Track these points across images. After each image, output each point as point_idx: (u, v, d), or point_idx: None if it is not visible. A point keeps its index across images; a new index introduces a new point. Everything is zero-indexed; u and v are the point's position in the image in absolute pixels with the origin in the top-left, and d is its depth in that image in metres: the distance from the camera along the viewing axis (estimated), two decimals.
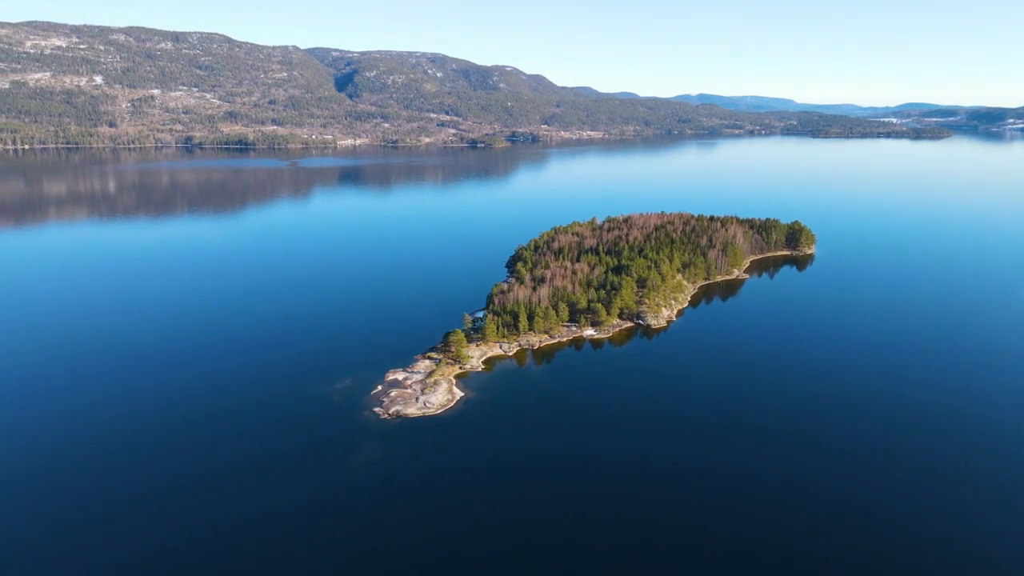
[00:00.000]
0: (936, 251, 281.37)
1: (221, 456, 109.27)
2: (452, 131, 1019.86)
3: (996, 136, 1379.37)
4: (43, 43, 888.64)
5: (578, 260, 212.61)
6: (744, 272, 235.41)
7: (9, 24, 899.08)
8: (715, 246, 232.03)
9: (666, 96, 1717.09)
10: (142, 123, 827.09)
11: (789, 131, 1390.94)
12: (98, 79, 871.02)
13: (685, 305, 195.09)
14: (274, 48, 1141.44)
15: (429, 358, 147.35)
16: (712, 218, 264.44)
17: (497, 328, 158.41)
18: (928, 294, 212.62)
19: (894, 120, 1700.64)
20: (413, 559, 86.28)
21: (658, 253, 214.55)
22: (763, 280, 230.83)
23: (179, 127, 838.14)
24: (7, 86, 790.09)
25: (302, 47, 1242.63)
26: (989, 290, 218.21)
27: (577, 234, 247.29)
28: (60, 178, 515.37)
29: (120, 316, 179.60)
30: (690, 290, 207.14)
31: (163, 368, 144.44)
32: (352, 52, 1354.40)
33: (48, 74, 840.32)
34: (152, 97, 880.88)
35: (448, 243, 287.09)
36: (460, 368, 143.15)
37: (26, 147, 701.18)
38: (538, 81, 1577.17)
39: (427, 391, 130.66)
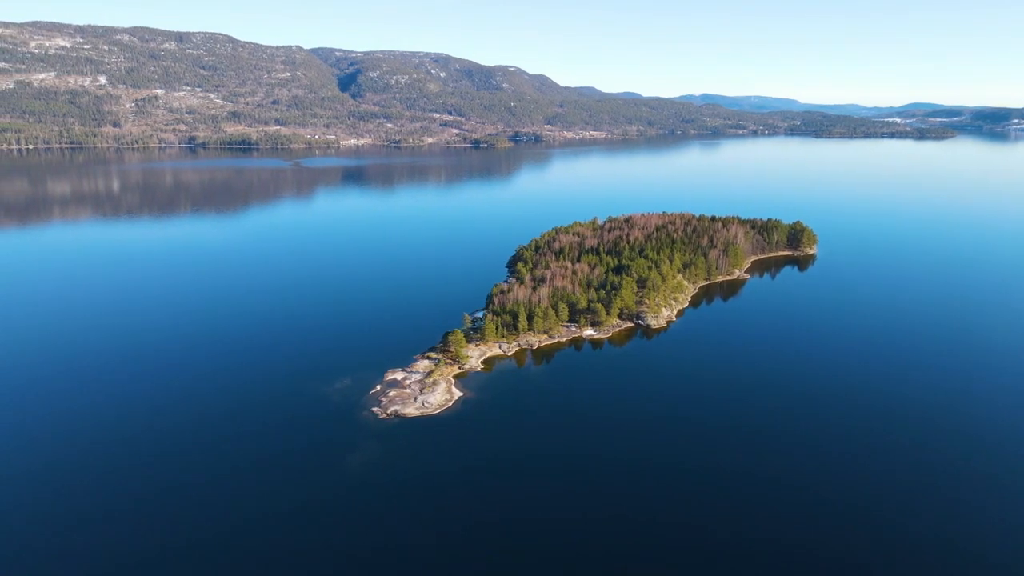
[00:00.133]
0: (938, 252, 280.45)
1: (219, 455, 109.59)
2: (455, 131, 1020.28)
3: (1001, 136, 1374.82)
4: (47, 43, 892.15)
5: (578, 260, 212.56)
6: (745, 272, 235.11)
7: (14, 24, 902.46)
8: (716, 246, 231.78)
9: (669, 96, 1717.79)
10: (146, 123, 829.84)
11: (792, 131, 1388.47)
12: (102, 79, 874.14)
13: (685, 305, 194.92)
14: (278, 48, 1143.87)
15: (428, 358, 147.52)
16: (713, 218, 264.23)
17: (496, 328, 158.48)
18: (930, 295, 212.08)
19: (898, 120, 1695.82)
20: (411, 559, 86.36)
21: (659, 253, 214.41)
22: (764, 280, 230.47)
23: (183, 127, 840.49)
24: (12, 86, 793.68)
25: (306, 47, 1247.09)
26: (991, 290, 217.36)
27: (578, 234, 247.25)
28: (64, 178, 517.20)
29: (120, 316, 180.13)
30: (691, 290, 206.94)
31: (162, 367, 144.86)
32: (355, 52, 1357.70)
33: (52, 74, 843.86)
34: (156, 97, 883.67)
35: (449, 243, 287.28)
36: (459, 368, 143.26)
37: (30, 147, 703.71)
38: (541, 81, 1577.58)
39: (426, 391, 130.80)
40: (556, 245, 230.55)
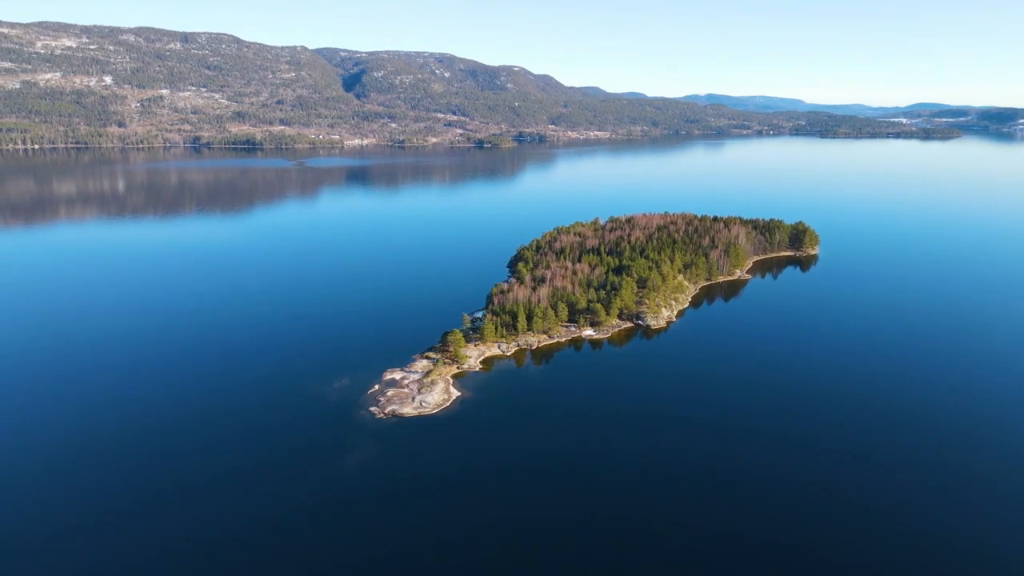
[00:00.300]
0: (941, 252, 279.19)
1: (217, 454, 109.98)
2: (459, 131, 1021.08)
3: (1007, 136, 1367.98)
4: (53, 43, 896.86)
5: (579, 260, 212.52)
6: (747, 273, 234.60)
7: (20, 24, 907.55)
8: (717, 246, 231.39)
9: (674, 96, 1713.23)
10: (151, 123, 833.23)
11: (797, 131, 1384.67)
12: (108, 79, 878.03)
13: (686, 306, 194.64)
14: (282, 48, 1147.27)
15: (427, 358, 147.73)
16: (715, 218, 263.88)
17: (496, 328, 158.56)
18: (932, 295, 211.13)
19: (904, 120, 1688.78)
20: (408, 559, 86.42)
21: (659, 253, 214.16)
22: (766, 281, 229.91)
23: (187, 127, 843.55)
24: (18, 86, 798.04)
25: (310, 47, 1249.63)
26: (993, 291, 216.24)
27: (579, 234, 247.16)
28: (69, 178, 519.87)
29: (120, 315, 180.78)
30: (691, 291, 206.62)
31: (161, 366, 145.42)
32: (360, 52, 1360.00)
33: (58, 74, 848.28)
34: (161, 97, 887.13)
35: (450, 243, 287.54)
36: (458, 368, 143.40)
37: (36, 147, 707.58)
38: (546, 81, 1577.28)
39: (423, 391, 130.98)
40: (557, 245, 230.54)
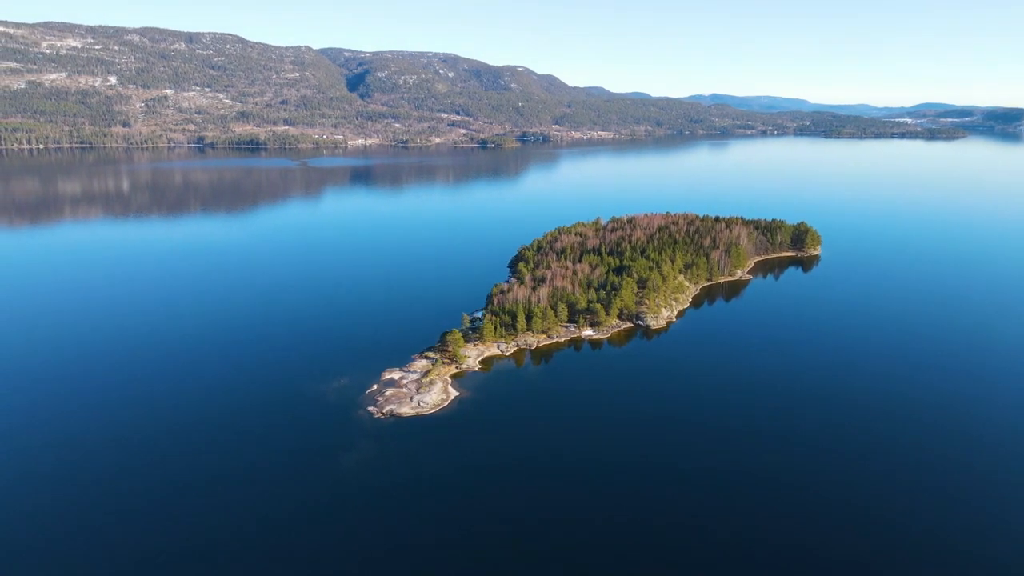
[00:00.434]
0: (943, 253, 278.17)
1: (216, 454, 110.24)
2: (463, 131, 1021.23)
3: (1013, 137, 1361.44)
4: (59, 44, 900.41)
5: (580, 260, 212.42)
6: (748, 273, 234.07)
7: (26, 25, 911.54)
8: (719, 247, 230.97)
9: (678, 96, 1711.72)
10: (155, 123, 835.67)
11: (802, 131, 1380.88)
12: (112, 79, 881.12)
13: (686, 306, 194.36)
14: (287, 48, 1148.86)
15: (426, 358, 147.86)
16: (716, 219, 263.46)
17: (495, 328, 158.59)
18: (933, 296, 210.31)
19: (909, 120, 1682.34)
20: (406, 558, 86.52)
21: (660, 254, 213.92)
22: (767, 281, 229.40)
23: (192, 127, 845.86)
24: (23, 86, 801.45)
25: (314, 47, 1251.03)
26: (995, 292, 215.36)
27: (580, 234, 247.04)
28: (74, 177, 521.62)
29: (120, 316, 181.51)
30: (692, 291, 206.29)
31: (160, 365, 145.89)
32: (364, 52, 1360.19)
33: (63, 74, 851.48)
34: (165, 97, 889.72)
35: (452, 243, 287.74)
36: (456, 368, 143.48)
37: (41, 147, 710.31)
38: (550, 81, 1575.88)
39: (422, 391, 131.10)
40: (558, 245, 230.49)
